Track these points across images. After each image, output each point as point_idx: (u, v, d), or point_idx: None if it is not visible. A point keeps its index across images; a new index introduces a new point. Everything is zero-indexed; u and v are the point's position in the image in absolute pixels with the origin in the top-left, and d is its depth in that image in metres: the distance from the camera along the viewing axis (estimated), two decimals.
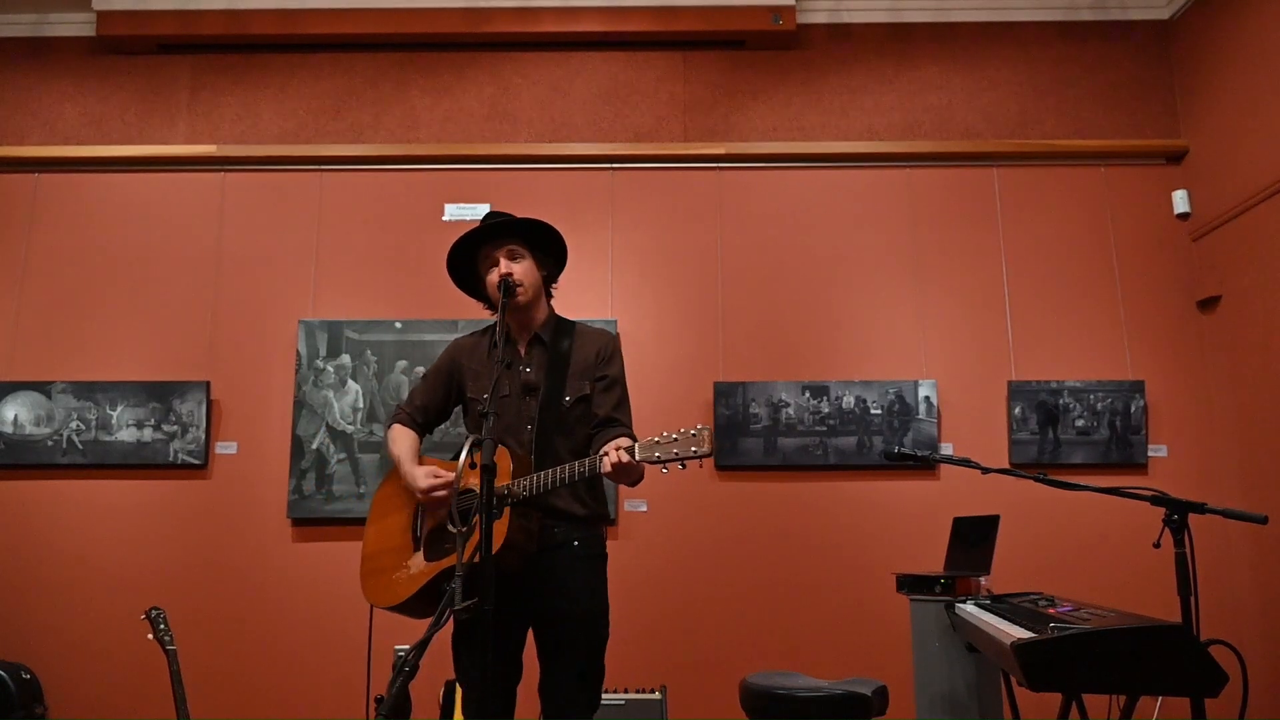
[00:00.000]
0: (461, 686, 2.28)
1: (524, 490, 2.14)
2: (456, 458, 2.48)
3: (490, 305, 2.43)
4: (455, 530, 2.04)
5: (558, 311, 2.50)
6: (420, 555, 2.27)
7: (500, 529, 2.10)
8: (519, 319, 2.38)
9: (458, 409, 2.52)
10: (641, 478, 2.14)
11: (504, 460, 2.13)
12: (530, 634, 2.30)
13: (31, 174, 4.31)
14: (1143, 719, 2.91)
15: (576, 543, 2.28)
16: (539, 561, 2.21)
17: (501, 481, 2.11)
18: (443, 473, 2.28)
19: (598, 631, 2.29)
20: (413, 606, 2.26)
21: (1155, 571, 3.08)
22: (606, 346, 2.41)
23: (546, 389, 2.32)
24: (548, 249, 2.43)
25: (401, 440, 2.41)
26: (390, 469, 2.44)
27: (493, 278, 2.33)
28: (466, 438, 2.30)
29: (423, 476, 2.28)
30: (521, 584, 2.17)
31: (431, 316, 4.10)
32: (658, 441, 2.05)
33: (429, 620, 2.22)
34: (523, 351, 2.39)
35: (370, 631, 2.40)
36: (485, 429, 1.91)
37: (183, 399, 4.05)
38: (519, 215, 2.39)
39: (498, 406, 2.27)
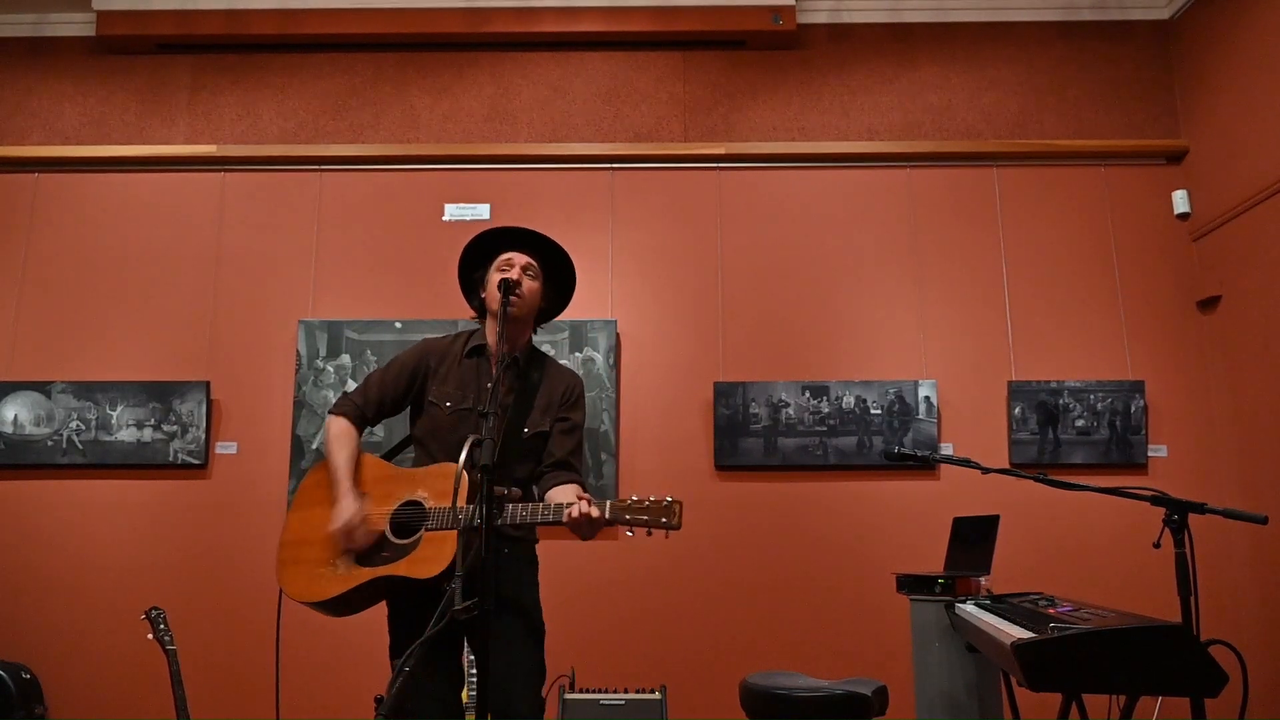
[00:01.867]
0: (413, 699, 2.13)
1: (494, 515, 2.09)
2: (389, 457, 2.46)
3: (476, 308, 2.42)
4: (414, 538, 2.02)
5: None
6: (350, 556, 2.21)
7: (447, 551, 2.06)
8: (507, 334, 2.34)
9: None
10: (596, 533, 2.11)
11: (462, 481, 2.03)
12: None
13: (31, 174, 4.31)
14: (1143, 719, 2.91)
15: (507, 550, 2.23)
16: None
17: (458, 501, 2.02)
18: (360, 528, 2.18)
19: (534, 621, 2.24)
20: (333, 606, 2.23)
21: (1155, 571, 3.07)
22: (574, 389, 2.39)
23: (511, 414, 2.29)
24: (558, 287, 2.43)
25: (343, 445, 2.29)
26: (321, 460, 2.34)
27: (497, 277, 2.31)
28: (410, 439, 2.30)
29: (346, 514, 2.18)
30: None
31: (431, 316, 4.09)
32: (630, 505, 2.06)
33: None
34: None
35: (279, 619, 2.37)
36: (485, 429, 1.91)
37: (183, 399, 4.05)
38: (519, 219, 2.42)
39: (457, 418, 2.27)
